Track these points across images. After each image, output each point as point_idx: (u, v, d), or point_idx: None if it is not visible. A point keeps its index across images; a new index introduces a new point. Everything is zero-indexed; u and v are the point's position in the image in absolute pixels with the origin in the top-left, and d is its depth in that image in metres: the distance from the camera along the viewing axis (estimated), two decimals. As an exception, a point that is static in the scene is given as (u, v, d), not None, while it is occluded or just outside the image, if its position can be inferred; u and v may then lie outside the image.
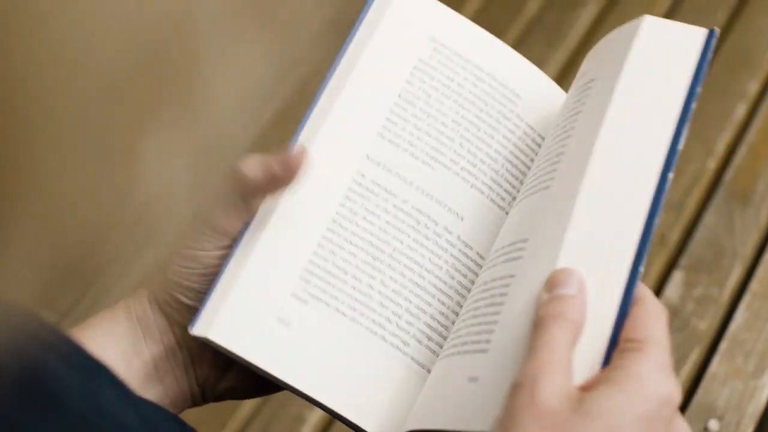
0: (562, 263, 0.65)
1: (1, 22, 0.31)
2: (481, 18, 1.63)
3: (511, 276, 0.68)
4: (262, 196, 0.73)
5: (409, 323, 0.74)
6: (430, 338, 0.74)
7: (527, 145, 0.79)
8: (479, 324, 0.68)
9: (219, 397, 0.77)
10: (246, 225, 0.74)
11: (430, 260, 0.75)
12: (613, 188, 0.68)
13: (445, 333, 0.74)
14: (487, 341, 0.66)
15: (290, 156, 0.72)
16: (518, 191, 0.78)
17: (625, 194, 0.67)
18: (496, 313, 0.67)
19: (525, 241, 0.69)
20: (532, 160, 0.79)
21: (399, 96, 0.79)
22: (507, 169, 0.78)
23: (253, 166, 0.72)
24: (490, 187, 0.78)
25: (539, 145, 0.80)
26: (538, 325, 0.63)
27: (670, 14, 1.61)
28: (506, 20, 1.64)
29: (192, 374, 0.76)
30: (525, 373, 0.60)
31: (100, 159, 0.35)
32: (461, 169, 0.78)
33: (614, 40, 0.76)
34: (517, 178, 0.78)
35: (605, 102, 0.71)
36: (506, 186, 0.78)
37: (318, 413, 1.34)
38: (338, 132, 0.77)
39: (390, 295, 0.74)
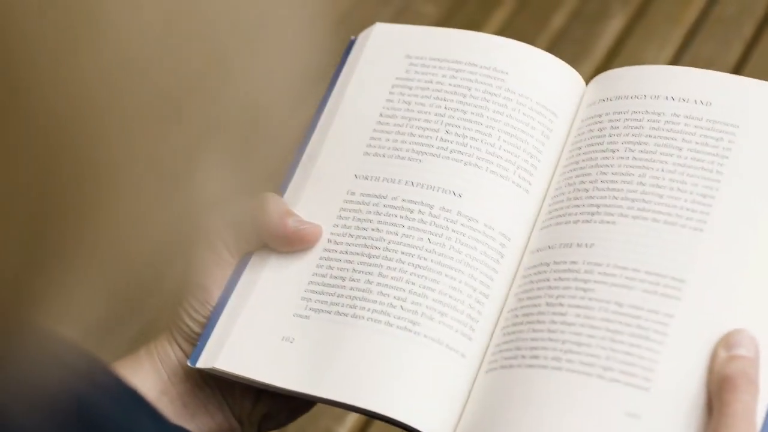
0: (738, 323, 0.67)
1: (69, 41, 0.31)
2: (507, 31, 1.64)
3: (669, 315, 0.68)
4: (269, 245, 0.77)
5: (416, 303, 0.73)
6: (443, 314, 0.73)
7: (524, 114, 0.79)
8: (626, 354, 0.68)
9: (259, 428, 0.78)
10: (243, 259, 0.77)
11: (429, 240, 0.75)
12: None
13: (460, 307, 0.73)
14: (647, 379, 0.67)
15: (307, 230, 0.76)
16: (523, 159, 0.78)
17: None
18: (656, 351, 0.67)
19: (681, 281, 0.69)
20: (534, 128, 0.79)
21: (380, 114, 0.80)
22: (505, 140, 0.78)
23: (273, 222, 0.75)
24: (488, 161, 0.78)
25: (541, 114, 0.80)
26: (724, 385, 0.64)
27: (695, 28, 1.62)
28: (532, 34, 1.64)
29: (226, 408, 0.77)
30: None
31: (163, 181, 0.35)
32: (451, 152, 0.78)
33: (762, 92, 0.76)
34: (518, 147, 0.78)
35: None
36: (506, 156, 0.78)
37: (347, 426, 1.35)
38: (327, 170, 0.79)
39: (389, 283, 0.74)
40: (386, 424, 0.74)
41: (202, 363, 0.74)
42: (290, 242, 0.76)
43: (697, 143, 0.74)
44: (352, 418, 1.35)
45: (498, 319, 0.74)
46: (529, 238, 0.77)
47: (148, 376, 0.76)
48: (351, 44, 0.85)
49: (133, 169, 0.34)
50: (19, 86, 0.31)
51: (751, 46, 1.57)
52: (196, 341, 0.75)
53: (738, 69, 1.57)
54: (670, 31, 1.62)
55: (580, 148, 0.78)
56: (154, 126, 0.34)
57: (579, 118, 0.80)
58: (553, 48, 1.63)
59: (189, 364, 0.74)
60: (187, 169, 0.35)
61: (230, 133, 0.36)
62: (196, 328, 0.75)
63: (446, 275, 0.74)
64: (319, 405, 0.76)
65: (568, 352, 0.69)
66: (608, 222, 0.73)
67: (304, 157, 0.80)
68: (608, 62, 1.60)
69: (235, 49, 0.35)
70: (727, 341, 0.66)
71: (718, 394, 0.64)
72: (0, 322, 0.35)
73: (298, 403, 0.78)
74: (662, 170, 0.74)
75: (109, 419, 0.52)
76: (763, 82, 0.77)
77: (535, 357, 0.70)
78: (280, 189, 0.79)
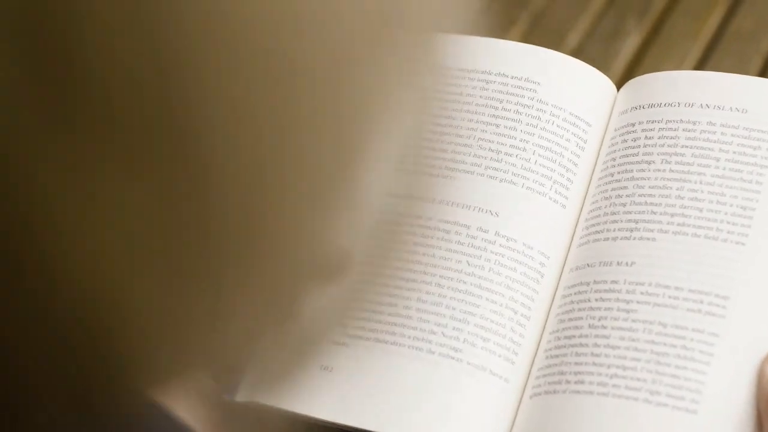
0: None
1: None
2: (522, 51, 1.62)
3: (714, 335, 0.67)
4: None
5: (457, 329, 0.71)
6: (486, 339, 0.72)
7: (558, 125, 0.77)
8: (672, 376, 0.67)
9: None
10: None
11: (468, 263, 0.73)
12: None
13: (502, 331, 0.72)
14: (695, 401, 0.65)
15: None
16: (558, 174, 0.76)
17: None
18: (702, 373, 0.66)
19: (725, 298, 0.67)
20: (568, 140, 0.77)
21: None
22: (540, 155, 0.76)
23: None
24: (524, 177, 0.76)
25: (575, 125, 0.78)
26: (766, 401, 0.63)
27: (713, 43, 1.59)
28: (547, 53, 1.62)
29: None
30: None
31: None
32: (485, 168, 0.76)
33: None
34: (554, 161, 0.77)
35: None
36: (542, 171, 0.76)
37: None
38: None
39: (429, 309, 0.73)
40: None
41: (242, 397, 0.72)
42: None
43: (734, 153, 0.72)
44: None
45: (539, 340, 0.72)
46: (567, 255, 0.75)
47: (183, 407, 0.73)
48: None
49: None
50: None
51: (770, 61, 1.55)
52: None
53: (758, 84, 1.55)
54: (687, 47, 1.60)
55: (614, 159, 0.76)
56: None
57: (612, 126, 0.78)
58: (568, 67, 1.61)
59: (227, 396, 0.72)
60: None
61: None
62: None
63: (487, 299, 0.72)
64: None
65: (614, 376, 0.67)
66: (648, 239, 0.71)
67: None
68: (626, 80, 1.57)
69: None
70: None
71: (765, 411, 0.63)
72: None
73: None
74: (700, 182, 0.72)
75: None
76: None
77: (581, 382, 0.68)
78: None
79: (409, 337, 0.71)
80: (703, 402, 0.65)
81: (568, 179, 0.75)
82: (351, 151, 0.32)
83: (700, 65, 1.58)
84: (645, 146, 0.74)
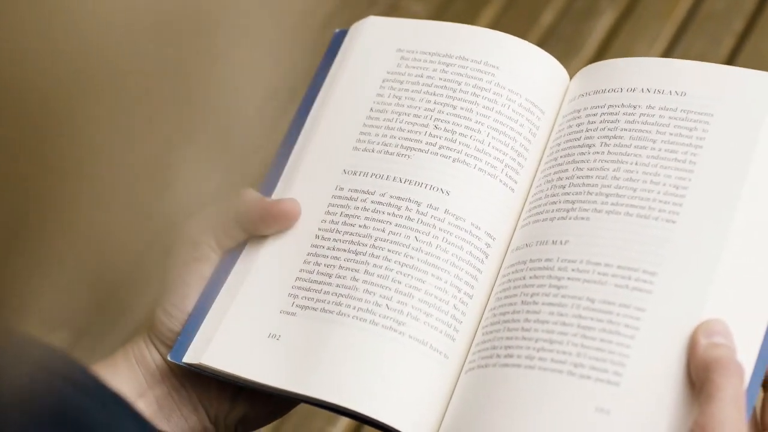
0: (709, 313, 0.67)
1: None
2: (495, 29, 1.64)
3: (640, 309, 0.68)
4: (252, 230, 0.76)
5: (401, 302, 0.73)
6: (428, 314, 0.73)
7: (514, 110, 0.79)
8: (597, 350, 0.68)
9: (236, 431, 0.78)
10: (232, 255, 0.76)
11: (416, 238, 0.75)
12: (762, 243, 0.69)
13: (445, 308, 0.73)
14: (617, 373, 0.67)
15: (286, 203, 0.76)
16: (510, 158, 0.77)
17: None
18: (626, 346, 0.67)
19: (653, 274, 0.69)
20: (522, 125, 0.78)
21: (371, 109, 0.80)
22: (494, 137, 0.78)
23: (250, 202, 0.76)
24: (476, 158, 0.77)
25: (530, 110, 0.79)
26: (715, 368, 0.64)
27: (685, 24, 1.61)
28: (521, 31, 1.64)
29: (201, 410, 0.76)
30: (708, 421, 0.62)
31: (133, 178, 0.34)
32: (439, 147, 0.77)
33: (737, 79, 0.75)
34: (506, 144, 0.78)
35: (745, 149, 0.71)
36: (495, 153, 0.77)
37: (340, 428, 1.34)
38: (317, 165, 0.79)
39: (375, 281, 0.74)
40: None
41: (189, 358, 0.73)
42: (271, 216, 0.76)
43: (671, 134, 0.74)
44: (345, 420, 1.35)
45: (480, 319, 0.74)
46: (512, 237, 0.76)
47: (126, 379, 0.75)
48: (336, 37, 0.84)
49: (107, 164, 0.33)
50: None
51: (741, 41, 1.56)
52: (173, 342, 0.75)
53: (729, 64, 1.57)
54: (660, 27, 1.62)
55: (559, 145, 0.78)
56: (132, 122, 0.33)
57: (561, 113, 0.80)
58: (542, 45, 1.62)
59: (171, 359, 0.74)
60: (165, 165, 0.35)
61: (208, 131, 0.36)
62: (174, 326, 0.75)
63: (432, 275, 0.74)
64: (312, 407, 0.76)
65: (541, 350, 0.69)
66: (582, 218, 0.73)
67: (294, 151, 0.80)
68: (598, 59, 1.59)
69: (217, 46, 0.34)
70: (706, 329, 0.66)
71: (708, 377, 0.64)
72: None
73: (275, 406, 0.78)
74: (636, 163, 0.74)
75: (94, 423, 0.52)
76: (739, 68, 0.77)
77: (510, 356, 0.70)
78: (269, 183, 0.79)
79: (354, 308, 0.72)
80: (625, 374, 0.66)
81: (519, 164, 0.76)
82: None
83: (672, 45, 1.60)
84: (587, 131, 0.76)
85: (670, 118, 0.74)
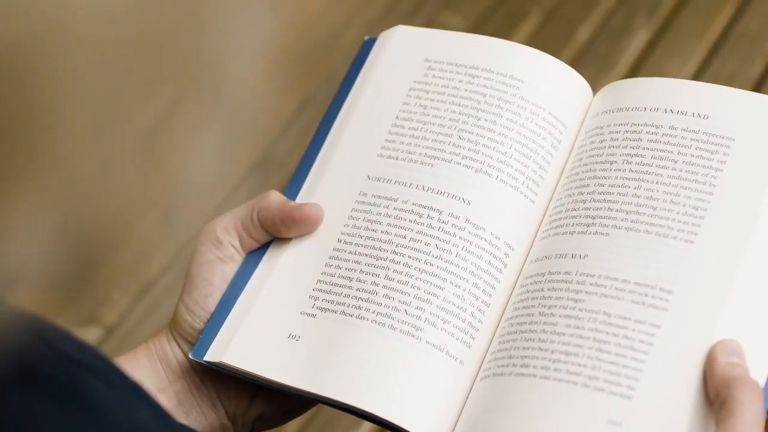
0: (722, 334, 0.68)
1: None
2: (532, 45, 1.65)
3: (656, 326, 0.70)
4: (275, 233, 0.78)
5: (420, 308, 0.74)
6: (446, 321, 0.74)
7: (537, 124, 0.80)
8: (612, 363, 0.69)
9: (252, 429, 0.79)
10: (255, 255, 0.78)
11: (436, 246, 0.76)
12: None
13: (462, 315, 0.74)
14: (630, 387, 0.68)
15: (308, 208, 0.78)
16: (532, 170, 0.79)
17: None
18: (640, 361, 0.69)
19: (669, 292, 0.70)
20: (545, 139, 0.80)
21: (396, 117, 0.81)
22: (516, 149, 0.79)
23: (274, 205, 0.77)
24: (498, 169, 0.78)
25: (552, 125, 0.80)
26: (737, 385, 0.65)
27: (719, 43, 1.62)
28: (557, 47, 1.65)
29: (220, 407, 0.78)
30: None
31: (117, 132, 0.35)
32: (462, 158, 0.79)
33: (760, 104, 0.77)
34: (528, 157, 0.79)
35: (765, 174, 0.73)
36: (517, 165, 0.79)
37: (363, 433, 1.36)
38: (342, 170, 0.80)
39: (395, 286, 0.75)
40: (395, 432, 0.75)
41: (210, 356, 0.75)
42: (293, 220, 0.77)
43: (692, 156, 0.75)
44: (366, 427, 1.37)
45: (496, 328, 0.75)
46: (530, 248, 0.78)
47: (147, 374, 0.77)
48: (365, 45, 0.86)
49: (83, 119, 0.34)
50: None
51: (775, 62, 1.57)
52: (195, 340, 0.77)
53: (760, 84, 1.57)
54: (693, 46, 1.63)
55: (581, 160, 0.79)
56: (107, 76, 0.33)
57: (584, 129, 0.81)
58: (577, 62, 1.64)
59: (192, 357, 0.75)
60: (161, 128, 0.35)
61: (200, 93, 0.36)
62: (196, 324, 0.77)
63: (451, 282, 0.75)
64: (335, 412, 0.77)
65: (557, 361, 0.70)
66: (602, 234, 0.74)
67: (320, 155, 0.82)
68: (631, 76, 1.60)
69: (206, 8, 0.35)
70: (724, 347, 0.68)
71: (730, 393, 0.65)
72: None
73: (293, 405, 0.79)
74: (657, 182, 0.75)
75: (106, 403, 0.53)
76: (761, 95, 0.78)
77: (525, 366, 0.71)
78: (294, 186, 0.81)
79: (373, 312, 0.73)
80: (638, 388, 0.68)
81: (540, 176, 0.77)
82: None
83: (705, 64, 1.61)
84: (610, 147, 0.77)
85: (692, 139, 0.76)
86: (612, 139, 0.79)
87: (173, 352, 0.77)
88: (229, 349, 0.75)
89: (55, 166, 0.34)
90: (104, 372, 0.55)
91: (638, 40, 1.67)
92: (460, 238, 0.76)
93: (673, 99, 0.79)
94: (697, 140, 0.76)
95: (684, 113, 0.78)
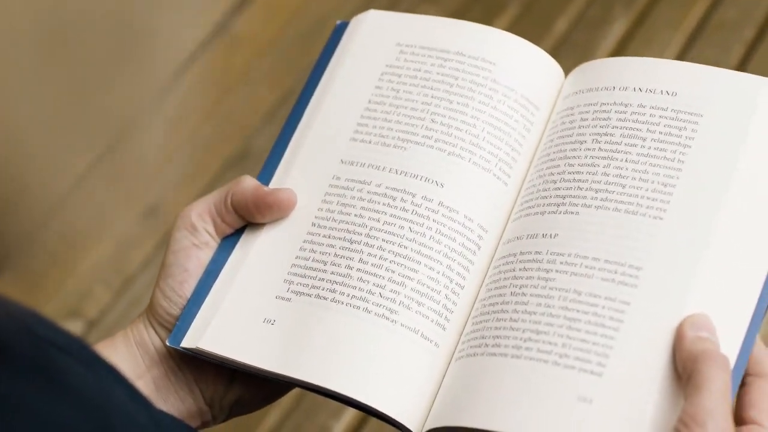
0: (692, 309, 0.69)
1: None
2: (510, 36, 1.65)
3: (626, 303, 0.70)
4: (249, 218, 0.78)
5: (394, 291, 0.75)
6: (420, 303, 0.75)
7: (509, 106, 0.80)
8: (582, 341, 0.70)
9: (230, 414, 0.80)
10: (229, 240, 0.78)
11: (410, 229, 0.76)
12: (745, 242, 0.71)
13: (437, 297, 0.75)
14: (601, 364, 0.69)
15: (281, 193, 0.78)
16: (504, 152, 0.79)
17: (755, 253, 0.70)
18: (610, 338, 0.69)
19: (638, 269, 0.71)
20: (517, 121, 0.80)
21: (369, 101, 0.81)
22: (488, 132, 0.79)
23: (248, 190, 0.77)
24: (471, 152, 0.79)
25: (525, 107, 0.81)
26: (704, 360, 0.65)
27: (696, 32, 1.62)
28: (535, 38, 1.64)
29: (197, 393, 0.78)
30: (697, 411, 0.63)
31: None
32: (435, 141, 0.79)
33: (727, 80, 0.77)
34: (501, 140, 0.79)
35: (732, 149, 0.73)
36: (489, 148, 0.79)
37: (343, 423, 1.36)
38: (315, 154, 0.81)
39: (369, 270, 0.75)
40: (381, 422, 0.75)
41: (187, 343, 0.75)
42: (267, 205, 0.77)
43: (660, 133, 0.76)
44: (348, 414, 1.37)
45: (471, 309, 0.76)
46: (504, 230, 0.78)
47: (124, 360, 0.77)
48: (337, 29, 0.86)
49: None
50: None
51: (751, 50, 1.58)
52: (171, 326, 0.77)
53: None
54: (671, 36, 1.63)
55: (552, 140, 0.79)
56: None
57: (555, 110, 0.82)
58: (555, 53, 1.64)
59: (169, 344, 0.76)
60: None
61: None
62: (172, 310, 0.77)
63: (425, 265, 0.75)
64: (317, 400, 0.77)
65: (528, 340, 0.71)
66: (572, 213, 0.75)
67: (292, 139, 0.82)
68: (609, 66, 1.61)
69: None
70: (692, 322, 0.68)
71: (697, 368, 0.66)
72: None
73: (270, 390, 0.80)
74: (626, 160, 0.75)
75: (80, 381, 0.53)
76: (729, 71, 0.78)
77: (497, 345, 0.72)
78: (267, 170, 0.81)
79: (348, 296, 0.74)
80: (608, 365, 0.68)
81: (513, 158, 0.78)
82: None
83: (683, 53, 1.61)
84: (579, 128, 0.78)
85: (660, 117, 0.76)
86: (582, 119, 0.79)
87: (150, 338, 0.78)
88: (206, 334, 0.75)
89: None
90: (80, 354, 0.55)
91: (616, 31, 1.67)
92: (434, 221, 0.76)
93: (642, 77, 0.79)
94: (666, 117, 0.76)
95: (652, 91, 0.78)
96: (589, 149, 0.77)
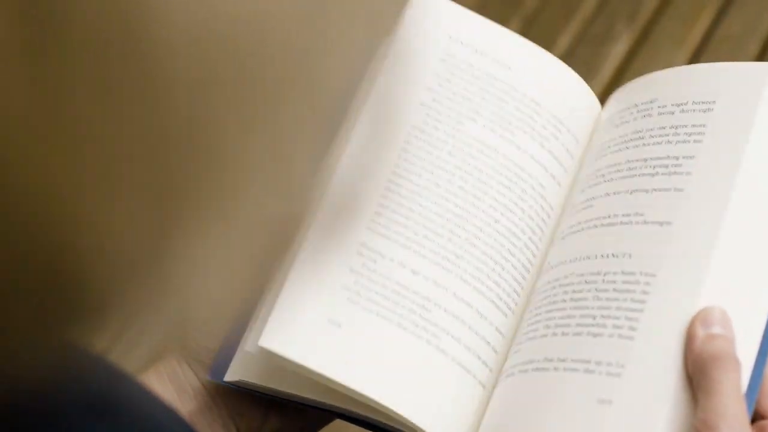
0: (703, 303, 0.68)
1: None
2: (513, 54, 1.65)
3: (641, 302, 0.70)
4: None
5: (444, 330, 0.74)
6: (470, 347, 0.74)
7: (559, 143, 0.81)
8: (599, 346, 0.70)
9: None
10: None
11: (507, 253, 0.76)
12: (754, 239, 0.70)
13: (484, 346, 0.74)
14: (621, 365, 0.68)
15: None
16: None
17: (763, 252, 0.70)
18: (626, 348, 0.69)
19: (652, 275, 0.70)
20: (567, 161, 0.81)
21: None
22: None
23: None
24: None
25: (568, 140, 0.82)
26: (712, 363, 0.65)
27: (700, 48, 1.62)
28: (538, 56, 1.65)
29: (232, 427, 0.77)
30: (709, 416, 0.63)
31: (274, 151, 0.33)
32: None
33: (740, 73, 0.76)
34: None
35: (740, 139, 0.73)
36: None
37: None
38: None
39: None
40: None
41: (230, 377, 0.73)
42: None
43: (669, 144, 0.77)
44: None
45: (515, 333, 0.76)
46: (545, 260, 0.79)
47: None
48: None
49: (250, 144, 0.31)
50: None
51: (756, 65, 1.57)
52: (207, 359, 0.75)
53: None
54: (675, 51, 1.63)
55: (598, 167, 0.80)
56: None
57: (596, 139, 0.83)
58: (559, 70, 1.64)
59: (211, 378, 0.74)
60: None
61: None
62: (209, 343, 0.75)
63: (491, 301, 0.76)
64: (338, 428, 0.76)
65: (556, 356, 0.71)
66: (577, 231, 0.76)
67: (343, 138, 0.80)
68: (615, 83, 1.60)
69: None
70: (703, 319, 0.67)
71: (706, 373, 0.65)
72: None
73: (307, 421, 0.78)
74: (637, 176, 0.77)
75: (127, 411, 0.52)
76: (739, 63, 0.79)
77: (530, 361, 0.73)
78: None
79: (416, 325, 0.72)
80: (627, 366, 0.68)
81: (558, 183, 0.78)
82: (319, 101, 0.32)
83: (688, 69, 1.61)
84: (617, 152, 0.78)
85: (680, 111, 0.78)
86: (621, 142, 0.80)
87: (183, 372, 0.76)
88: (268, 336, 0.71)
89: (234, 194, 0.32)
90: (139, 397, 0.54)
91: (619, 47, 1.67)
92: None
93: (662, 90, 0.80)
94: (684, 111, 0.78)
95: (683, 109, 0.78)
96: (625, 173, 0.78)
